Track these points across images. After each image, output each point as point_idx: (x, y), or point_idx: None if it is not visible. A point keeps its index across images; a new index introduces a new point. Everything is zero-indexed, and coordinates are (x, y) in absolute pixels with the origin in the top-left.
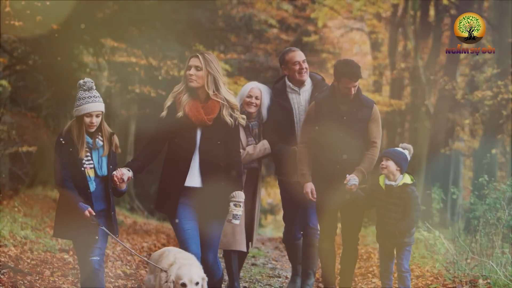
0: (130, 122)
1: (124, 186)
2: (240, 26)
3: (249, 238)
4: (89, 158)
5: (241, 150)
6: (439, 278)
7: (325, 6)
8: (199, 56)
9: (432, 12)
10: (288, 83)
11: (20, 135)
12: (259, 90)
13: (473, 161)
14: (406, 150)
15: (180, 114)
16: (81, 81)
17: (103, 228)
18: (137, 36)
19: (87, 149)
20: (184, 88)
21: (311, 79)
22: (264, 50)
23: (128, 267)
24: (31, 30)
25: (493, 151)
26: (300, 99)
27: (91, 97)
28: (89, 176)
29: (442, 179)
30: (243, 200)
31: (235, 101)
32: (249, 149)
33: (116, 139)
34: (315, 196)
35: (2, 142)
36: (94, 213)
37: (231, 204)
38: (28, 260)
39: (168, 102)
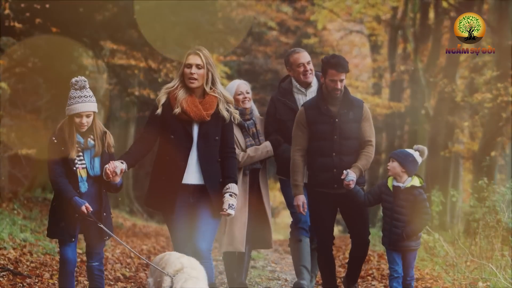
0: (130, 125)
1: (117, 179)
2: (240, 29)
3: (268, 239)
4: (82, 158)
5: (241, 152)
6: (438, 280)
7: (325, 8)
8: (200, 53)
9: (431, 14)
10: (294, 83)
11: (20, 138)
12: (245, 85)
13: (472, 164)
14: (417, 151)
15: (177, 110)
16: (73, 80)
17: (101, 225)
18: (136, 38)
19: (79, 149)
20: (179, 85)
21: (317, 79)
22: (263, 53)
23: (128, 270)
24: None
25: (493, 153)
26: (306, 100)
27: (82, 96)
28: (81, 176)
29: (442, 182)
30: (237, 193)
31: (230, 96)
32: (250, 151)
33: (109, 138)
34: (305, 209)
35: (1, 145)
36: (91, 209)
37: (227, 195)
38: (28, 263)
39: (163, 99)
